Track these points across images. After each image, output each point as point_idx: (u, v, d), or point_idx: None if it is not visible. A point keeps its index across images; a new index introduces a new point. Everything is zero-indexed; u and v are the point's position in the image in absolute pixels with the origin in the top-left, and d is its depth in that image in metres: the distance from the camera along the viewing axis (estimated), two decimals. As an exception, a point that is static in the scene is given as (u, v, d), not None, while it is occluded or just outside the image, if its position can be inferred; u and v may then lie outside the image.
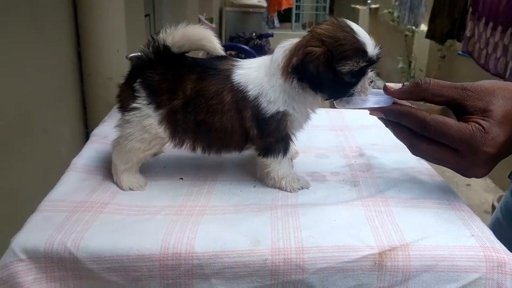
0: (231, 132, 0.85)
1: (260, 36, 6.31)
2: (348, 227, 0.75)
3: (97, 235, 0.72)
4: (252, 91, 0.82)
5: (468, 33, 4.03)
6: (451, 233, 0.74)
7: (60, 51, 1.46)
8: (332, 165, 1.00)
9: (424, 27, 5.20)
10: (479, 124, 0.75)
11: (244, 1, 7.34)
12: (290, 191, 0.88)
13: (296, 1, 9.75)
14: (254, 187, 0.90)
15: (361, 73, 0.81)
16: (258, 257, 0.70)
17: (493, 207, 2.98)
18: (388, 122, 0.86)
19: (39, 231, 0.72)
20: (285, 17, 9.20)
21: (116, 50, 1.54)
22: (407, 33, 5.61)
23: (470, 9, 4.01)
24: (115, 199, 0.84)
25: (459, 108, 0.79)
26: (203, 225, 0.75)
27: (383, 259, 0.70)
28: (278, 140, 0.85)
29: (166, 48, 0.83)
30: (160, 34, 0.83)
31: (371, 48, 0.81)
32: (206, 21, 5.31)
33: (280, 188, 0.88)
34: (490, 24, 3.68)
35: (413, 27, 5.55)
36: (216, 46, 0.84)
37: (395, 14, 5.84)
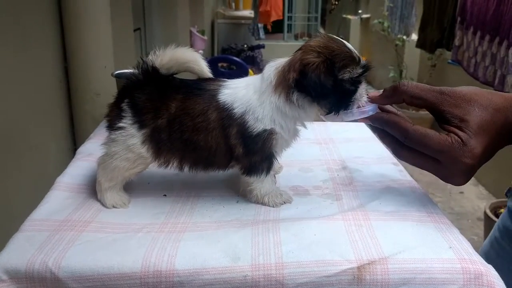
0: (215, 151, 0.85)
1: (251, 48, 6.34)
2: (328, 242, 0.76)
3: (79, 254, 0.73)
4: (238, 109, 0.83)
5: (457, 42, 4.08)
6: (429, 245, 0.75)
7: (47, 67, 1.46)
8: (315, 179, 1.01)
9: (414, 36, 5.25)
10: (458, 136, 0.77)
11: (236, 13, 7.40)
12: (273, 206, 0.89)
13: (288, 12, 9.82)
14: (237, 202, 0.91)
15: (358, 80, 0.84)
16: (238, 273, 0.70)
17: (485, 214, 3.00)
18: (375, 128, 0.89)
19: (21, 251, 0.73)
20: (276, 28, 9.25)
21: (103, 66, 1.55)
22: (397, 42, 5.66)
23: (459, 19, 4.05)
24: (97, 217, 0.84)
25: (438, 114, 0.81)
26: (184, 242, 0.76)
27: (362, 273, 0.70)
28: (262, 159, 0.86)
29: (154, 70, 0.84)
30: (149, 56, 0.84)
31: (360, 57, 0.84)
32: (197, 34, 5.34)
33: (263, 204, 0.89)
34: (478, 33, 3.72)
35: (404, 37, 5.60)
36: (203, 68, 0.85)
37: (385, 24, 5.90)
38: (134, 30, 3.06)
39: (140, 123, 0.84)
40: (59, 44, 1.52)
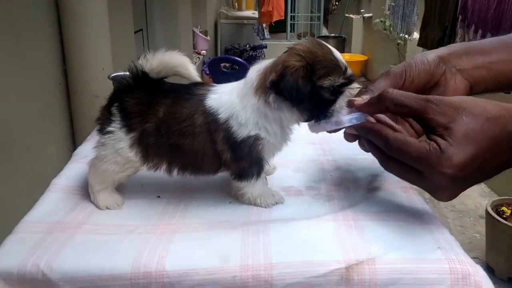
0: (202, 155, 0.86)
1: (253, 48, 6.35)
2: (317, 242, 0.76)
3: (71, 256, 0.74)
4: (223, 114, 0.83)
5: (458, 40, 4.07)
6: (417, 246, 0.75)
7: (45, 69, 1.48)
8: (308, 179, 1.01)
9: (416, 35, 5.24)
10: (437, 143, 0.71)
11: (239, 13, 7.41)
12: (265, 207, 0.90)
13: (291, 12, 9.81)
14: (230, 203, 0.91)
15: (340, 91, 0.82)
16: (227, 274, 0.71)
17: (487, 212, 2.98)
18: (363, 138, 0.86)
19: (13, 253, 0.74)
20: (279, 27, 9.25)
21: (102, 68, 1.56)
22: (399, 41, 5.65)
23: (460, 17, 4.05)
24: (91, 219, 0.85)
25: (423, 123, 0.76)
26: (175, 243, 0.77)
27: (350, 273, 0.71)
28: (251, 165, 0.86)
29: (144, 74, 0.85)
30: (139, 60, 0.85)
31: (347, 67, 0.82)
32: (200, 34, 5.36)
33: (255, 205, 0.90)
34: (480, 32, 3.71)
35: (406, 36, 5.59)
36: (191, 73, 0.85)
37: (387, 23, 5.89)
38: (136, 31, 3.07)
39: (128, 127, 0.85)
40: (57, 47, 1.54)
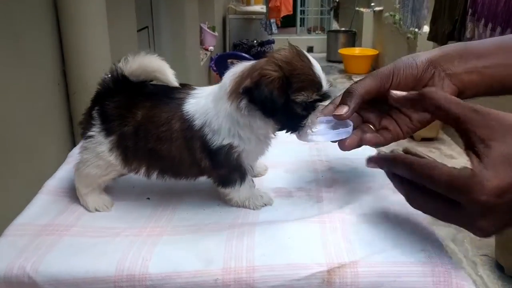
0: (179, 161, 0.85)
1: (261, 43, 6.35)
2: (301, 245, 0.76)
3: (57, 258, 0.75)
4: (198, 121, 0.82)
5: (468, 34, 4.03)
6: (401, 248, 0.75)
7: (44, 70, 1.49)
8: (299, 180, 1.01)
9: (426, 29, 5.19)
10: (472, 164, 0.63)
11: (247, 9, 7.40)
12: (254, 209, 0.90)
13: (301, 6, 9.78)
14: (218, 205, 0.92)
15: (312, 106, 0.81)
16: (209, 277, 0.71)
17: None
18: (387, 173, 0.79)
19: (1, 256, 0.75)
20: (288, 22, 9.22)
21: (101, 69, 1.57)
22: (409, 35, 5.60)
23: (470, 10, 4.00)
24: (80, 221, 0.86)
25: (464, 134, 0.68)
26: (160, 246, 0.77)
27: (332, 276, 0.71)
28: (231, 172, 0.86)
29: (124, 77, 0.84)
30: (119, 63, 0.84)
31: (325, 83, 0.81)
32: (208, 30, 5.36)
33: (244, 207, 0.90)
34: (490, 25, 3.67)
35: (416, 29, 5.54)
36: (169, 78, 0.84)
37: (397, 17, 5.84)
38: (141, 29, 3.08)
39: (107, 131, 0.85)
40: (56, 47, 1.55)
